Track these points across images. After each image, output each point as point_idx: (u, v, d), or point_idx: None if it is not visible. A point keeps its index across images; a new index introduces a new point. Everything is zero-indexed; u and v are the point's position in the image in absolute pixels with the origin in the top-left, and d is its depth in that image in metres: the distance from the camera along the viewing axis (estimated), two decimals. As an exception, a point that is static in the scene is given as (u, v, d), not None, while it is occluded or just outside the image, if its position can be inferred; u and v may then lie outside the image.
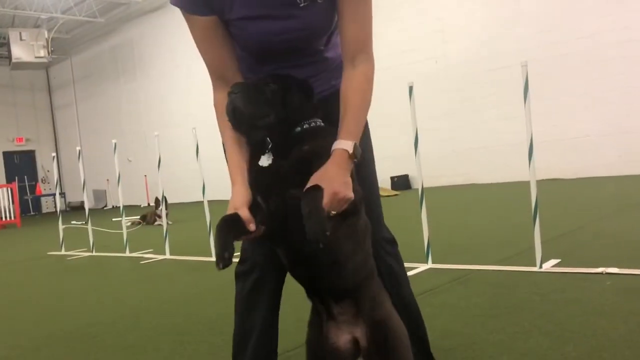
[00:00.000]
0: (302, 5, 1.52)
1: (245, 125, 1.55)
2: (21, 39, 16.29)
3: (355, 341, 1.56)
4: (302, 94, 1.57)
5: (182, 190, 13.96)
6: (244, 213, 1.48)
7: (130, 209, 13.45)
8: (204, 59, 1.65)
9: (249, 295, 1.72)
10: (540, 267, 3.45)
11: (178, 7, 1.58)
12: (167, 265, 5.37)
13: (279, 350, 1.77)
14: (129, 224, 9.93)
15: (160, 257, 5.76)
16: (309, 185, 1.42)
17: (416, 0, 11.11)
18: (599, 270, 3.22)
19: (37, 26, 17.18)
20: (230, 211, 1.50)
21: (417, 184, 4.17)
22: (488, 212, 6.74)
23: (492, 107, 10.09)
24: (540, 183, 7.02)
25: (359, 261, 1.57)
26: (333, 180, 1.42)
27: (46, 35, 16.67)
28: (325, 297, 1.59)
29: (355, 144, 1.49)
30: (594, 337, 2.26)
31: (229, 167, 1.61)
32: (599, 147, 9.19)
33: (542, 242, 3.52)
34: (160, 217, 8.85)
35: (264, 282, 1.70)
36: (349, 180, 1.46)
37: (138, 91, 17.57)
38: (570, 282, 3.12)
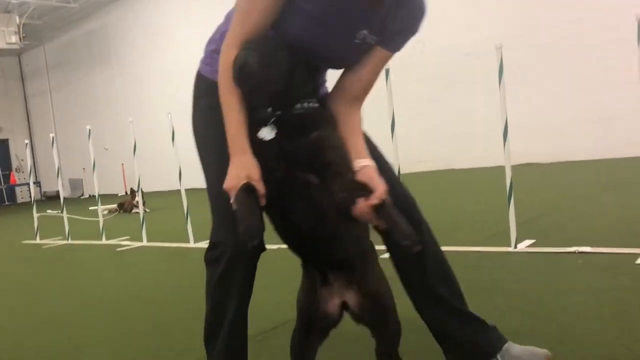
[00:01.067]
0: (356, 41, 1.58)
1: (250, 85, 1.47)
2: (-9, 25, 15.92)
3: (343, 305, 1.62)
4: (308, 73, 1.57)
5: (160, 178, 13.79)
6: (260, 186, 1.45)
7: (107, 197, 13.30)
8: (246, 25, 1.53)
9: (219, 283, 1.65)
10: (515, 247, 3.49)
11: None
12: (143, 252, 5.33)
13: (258, 331, 1.77)
14: (105, 212, 9.82)
15: (137, 244, 5.71)
16: (370, 201, 1.46)
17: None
18: (572, 249, 3.27)
19: (7, 11, 16.75)
20: (244, 181, 1.43)
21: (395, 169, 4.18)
22: (466, 196, 6.81)
23: (471, 93, 10.14)
24: (518, 167, 7.08)
25: (356, 235, 1.60)
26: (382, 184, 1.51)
27: (17, 21, 16.28)
28: (322, 266, 1.62)
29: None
30: (566, 313, 2.30)
31: (232, 131, 1.51)
32: (576, 132, 9.30)
33: (518, 224, 3.56)
34: (137, 205, 8.77)
35: (235, 269, 1.64)
36: None
37: (114, 78, 17.28)
38: (543, 262, 3.17)
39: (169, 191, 13.47)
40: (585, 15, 8.97)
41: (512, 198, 3.54)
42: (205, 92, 1.72)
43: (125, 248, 5.61)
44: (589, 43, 8.97)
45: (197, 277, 3.87)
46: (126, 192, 15.13)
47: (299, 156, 1.48)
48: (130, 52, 16.56)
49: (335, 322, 1.65)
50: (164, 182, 14.00)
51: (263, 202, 1.45)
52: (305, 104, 1.54)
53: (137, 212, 8.40)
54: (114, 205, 10.15)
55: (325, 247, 1.56)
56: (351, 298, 1.61)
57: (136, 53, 16.35)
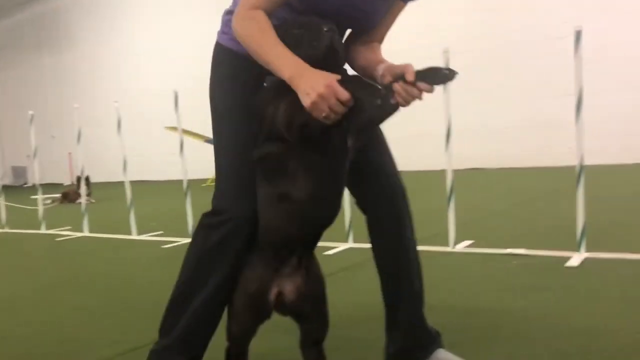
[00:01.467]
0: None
1: (331, 65, 1.49)
2: None
3: (279, 295, 1.60)
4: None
5: (107, 169, 13.46)
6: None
7: (52, 187, 12.89)
8: None
9: (215, 248, 1.61)
10: (454, 247, 3.59)
11: None
12: (84, 242, 5.19)
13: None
14: (49, 201, 9.52)
15: (78, 234, 5.56)
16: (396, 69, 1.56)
17: None
18: (507, 251, 3.39)
19: (-50, -11, 16.04)
20: (329, 79, 1.40)
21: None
22: (410, 197, 6.92)
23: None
24: (462, 172, 7.25)
25: None
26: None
27: (-39, 0, 15.58)
28: (308, 247, 1.64)
29: None
30: (496, 311, 2.38)
31: (277, 51, 1.45)
32: (519, 140, 9.60)
33: (457, 225, 3.67)
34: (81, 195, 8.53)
35: (237, 237, 1.60)
36: None
37: (63, 64, 16.74)
38: (480, 262, 3.27)
39: (116, 182, 13.16)
40: (530, 25, 9.29)
41: (453, 200, 3.63)
42: (224, 60, 1.71)
43: (65, 238, 5.46)
44: (533, 52, 9.29)
45: (136, 269, 3.85)
46: (72, 182, 14.68)
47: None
48: (81, 38, 16.08)
49: (271, 312, 1.63)
50: (112, 172, 13.67)
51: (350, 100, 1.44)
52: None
53: (81, 202, 8.18)
54: (58, 195, 9.84)
55: (334, 215, 1.60)
56: (288, 287, 1.59)
57: (87, 40, 15.89)
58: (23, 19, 17.63)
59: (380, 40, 1.76)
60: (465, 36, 9.71)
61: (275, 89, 1.53)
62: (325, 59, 1.48)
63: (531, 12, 9.34)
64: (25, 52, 17.78)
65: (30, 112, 5.89)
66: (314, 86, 1.38)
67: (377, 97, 1.49)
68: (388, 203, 1.73)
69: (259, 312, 1.62)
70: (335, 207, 1.59)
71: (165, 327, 1.69)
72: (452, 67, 3.63)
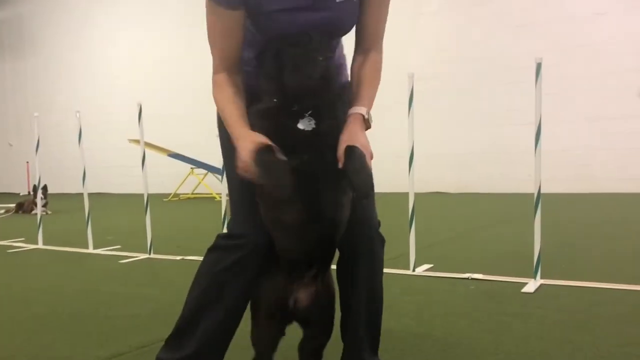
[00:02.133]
0: (338, 0, 1.59)
1: (297, 87, 1.52)
2: None
3: (295, 302, 1.67)
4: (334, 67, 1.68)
5: (66, 179, 13.15)
6: (271, 143, 1.47)
7: (7, 196, 12.52)
8: (216, 48, 1.64)
9: (229, 268, 1.64)
10: (413, 270, 3.61)
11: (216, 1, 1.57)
12: (38, 255, 5.03)
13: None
14: (1, 211, 9.23)
15: (32, 246, 5.38)
16: (343, 145, 1.51)
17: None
18: (466, 275, 3.43)
19: None
20: (252, 145, 1.46)
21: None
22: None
23: (382, 119, 10.43)
24: (425, 195, 7.31)
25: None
26: (361, 139, 1.56)
27: None
28: (316, 262, 1.65)
29: (368, 110, 1.64)
30: (452, 335, 2.40)
31: (230, 122, 1.59)
32: (482, 165, 9.80)
33: (418, 249, 3.70)
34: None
35: (250, 261, 1.65)
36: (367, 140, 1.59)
37: (25, 70, 16.36)
38: (438, 285, 3.29)
39: (74, 194, 12.86)
40: (493, 55, 9.56)
41: (414, 224, 3.67)
42: (264, 114, 1.73)
43: (18, 250, 5.28)
44: (496, 81, 9.56)
45: (90, 282, 3.73)
46: (29, 192, 14.29)
47: (329, 137, 1.55)
48: (45, 45, 15.77)
49: (291, 318, 1.70)
50: (71, 184, 13.35)
51: (282, 156, 1.47)
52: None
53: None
54: (12, 205, 9.54)
55: (338, 234, 1.62)
56: (302, 294, 1.66)
57: (52, 47, 15.59)
58: (-15, 22, 17.23)
59: (371, 44, 1.73)
60: (431, 62, 9.92)
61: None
62: (320, 88, 1.56)
63: (495, 41, 9.61)
64: (-14, 57, 17.33)
65: (-12, 119, 5.71)
66: (240, 155, 1.52)
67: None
68: (367, 253, 1.74)
69: (281, 321, 1.70)
70: (332, 226, 1.60)
71: (175, 343, 1.70)
72: (418, 92, 3.68)
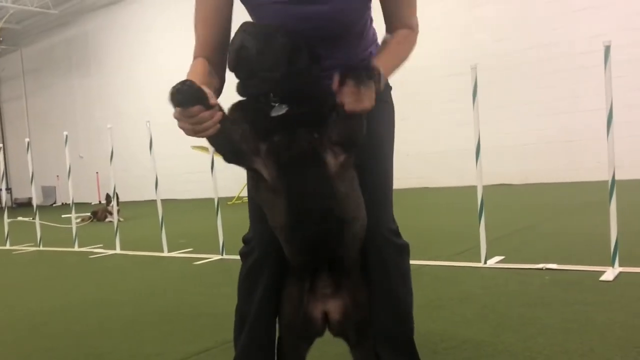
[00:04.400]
0: None
1: (247, 71, 1.44)
2: (-32, 28, 15.72)
3: (325, 315, 1.58)
4: (310, 58, 1.49)
5: (135, 187, 13.72)
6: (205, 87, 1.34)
7: (80, 206, 13.10)
8: (197, 33, 1.61)
9: (247, 276, 1.66)
10: (485, 263, 3.58)
11: None
12: (116, 259, 5.29)
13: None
14: (78, 220, 9.71)
15: (110, 252, 5.67)
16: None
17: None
18: (539, 266, 3.37)
19: (-15, 15, 16.61)
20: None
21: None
22: (440, 213, 6.93)
23: (446, 113, 10.34)
24: (490, 187, 7.20)
25: (359, 229, 1.52)
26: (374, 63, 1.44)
27: (-5, 25, 16.13)
28: (319, 266, 1.55)
29: (384, 74, 1.47)
30: (531, 325, 2.38)
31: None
32: (547, 154, 9.54)
33: (488, 241, 3.66)
34: (111, 213, 8.68)
35: (263, 266, 1.63)
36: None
37: (92, 85, 17.16)
38: (512, 277, 3.26)
39: (142, 201, 13.38)
40: (556, 41, 9.27)
41: (483, 216, 3.63)
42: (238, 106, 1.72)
43: (98, 255, 5.57)
44: (560, 68, 9.26)
45: (169, 283, 3.91)
46: (100, 201, 14.95)
47: (307, 119, 1.41)
48: (109, 60, 16.49)
49: (320, 330, 1.62)
50: (137, 192, 13.92)
51: (213, 101, 1.33)
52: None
53: (111, 221, 8.34)
54: (87, 214, 10.03)
55: (336, 234, 1.46)
56: (333, 308, 1.58)
57: (116, 60, 16.29)
58: (55, 42, 18.16)
59: (399, 24, 1.63)
60: (493, 52, 9.74)
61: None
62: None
63: (556, 27, 9.33)
64: (57, 75, 18.27)
65: (65, 133, 6.05)
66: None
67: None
68: (378, 265, 1.61)
69: (299, 331, 1.60)
70: (325, 226, 1.45)
71: (234, 344, 1.74)
72: (480, 83, 3.65)
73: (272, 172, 1.44)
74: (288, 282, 1.62)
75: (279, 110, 1.43)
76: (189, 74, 1.51)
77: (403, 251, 1.66)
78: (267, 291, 1.63)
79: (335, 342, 1.74)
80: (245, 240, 1.70)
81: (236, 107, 1.50)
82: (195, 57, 1.60)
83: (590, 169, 8.82)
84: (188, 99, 1.28)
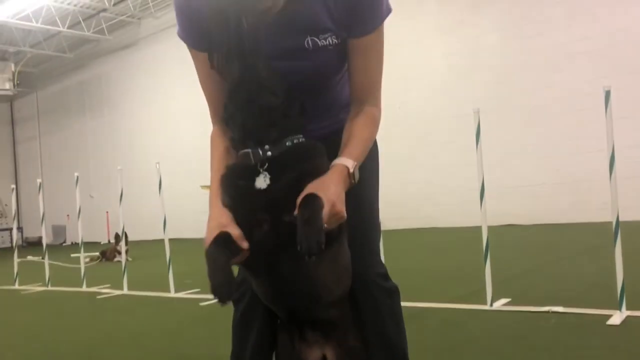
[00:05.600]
0: (311, 50, 1.50)
1: (247, 94, 1.46)
2: (-14, 71, 16.16)
3: (324, 358, 1.60)
4: (300, 109, 1.54)
5: (143, 227, 13.75)
6: (234, 230, 1.40)
7: (89, 245, 13.13)
8: (206, 94, 1.66)
9: (240, 320, 1.66)
10: (491, 305, 3.56)
11: (183, 41, 1.60)
12: (124, 300, 5.31)
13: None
14: (87, 259, 9.74)
15: (118, 292, 5.69)
16: (305, 192, 1.36)
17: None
18: (545, 309, 3.35)
19: (4, 59, 17.06)
20: (215, 231, 1.39)
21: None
22: (445, 254, 6.90)
23: (449, 153, 10.40)
24: (496, 228, 7.19)
25: (340, 294, 1.56)
26: (330, 192, 1.37)
27: (13, 69, 16.55)
28: (302, 323, 1.59)
29: (355, 165, 1.48)
30: (536, 370, 2.37)
31: (211, 190, 1.55)
32: (552, 195, 9.53)
33: (494, 283, 3.64)
34: (119, 253, 8.72)
35: (255, 309, 1.63)
36: (344, 197, 1.41)
37: (105, 127, 17.46)
38: (518, 320, 3.24)
39: (151, 240, 13.39)
40: (557, 85, 9.39)
41: (489, 257, 3.64)
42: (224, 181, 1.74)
43: (106, 296, 5.59)
44: (562, 110, 9.35)
45: (176, 325, 3.91)
46: (109, 241, 15.01)
47: (285, 197, 1.40)
48: (122, 102, 16.83)
49: None
50: (145, 231, 13.95)
51: (245, 244, 1.40)
52: (295, 140, 1.50)
53: (119, 261, 8.36)
54: (96, 253, 10.07)
55: (309, 305, 1.53)
56: (330, 352, 1.59)
57: (128, 103, 16.62)
58: (69, 85, 18.58)
59: (363, 95, 1.59)
60: (495, 94, 9.86)
61: None
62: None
63: (559, 70, 9.46)
64: (70, 117, 18.63)
65: (76, 174, 6.16)
66: (207, 230, 1.44)
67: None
68: (369, 311, 1.62)
69: None
70: (304, 302, 1.52)
71: None
72: (484, 125, 3.71)
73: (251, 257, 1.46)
74: (280, 327, 1.64)
75: (262, 184, 1.44)
76: (212, 160, 1.59)
77: (393, 294, 1.65)
78: (262, 336, 1.64)
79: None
80: (237, 284, 1.67)
81: (222, 182, 1.53)
82: (213, 125, 1.66)
83: (597, 209, 8.78)
84: (229, 292, 1.36)
